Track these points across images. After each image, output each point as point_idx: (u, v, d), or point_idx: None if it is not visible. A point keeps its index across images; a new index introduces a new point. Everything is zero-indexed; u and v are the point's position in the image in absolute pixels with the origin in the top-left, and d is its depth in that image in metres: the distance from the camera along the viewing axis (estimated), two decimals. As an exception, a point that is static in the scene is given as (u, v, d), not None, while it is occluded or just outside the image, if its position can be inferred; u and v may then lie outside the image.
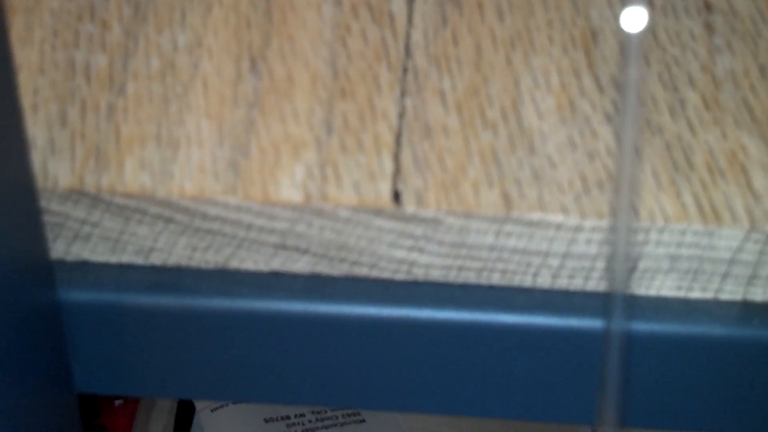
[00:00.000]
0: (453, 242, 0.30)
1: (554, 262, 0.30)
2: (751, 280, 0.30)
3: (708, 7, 0.34)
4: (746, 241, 0.29)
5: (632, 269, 0.29)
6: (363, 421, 0.59)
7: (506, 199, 0.29)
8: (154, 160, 0.29)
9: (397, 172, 0.30)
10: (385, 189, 0.29)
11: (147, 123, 0.30)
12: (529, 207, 0.29)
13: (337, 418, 0.59)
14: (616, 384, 0.26)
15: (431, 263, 0.30)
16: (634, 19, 0.25)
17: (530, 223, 0.29)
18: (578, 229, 0.29)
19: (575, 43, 0.33)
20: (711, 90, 0.32)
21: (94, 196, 0.29)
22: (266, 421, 0.58)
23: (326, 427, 0.58)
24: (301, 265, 0.30)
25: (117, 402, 0.59)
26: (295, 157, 0.30)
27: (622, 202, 0.26)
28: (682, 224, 0.29)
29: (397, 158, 0.30)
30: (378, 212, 0.29)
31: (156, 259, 0.30)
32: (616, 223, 0.26)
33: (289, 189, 0.29)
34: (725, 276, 0.30)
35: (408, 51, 0.33)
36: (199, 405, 0.59)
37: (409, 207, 0.29)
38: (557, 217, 0.29)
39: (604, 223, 0.29)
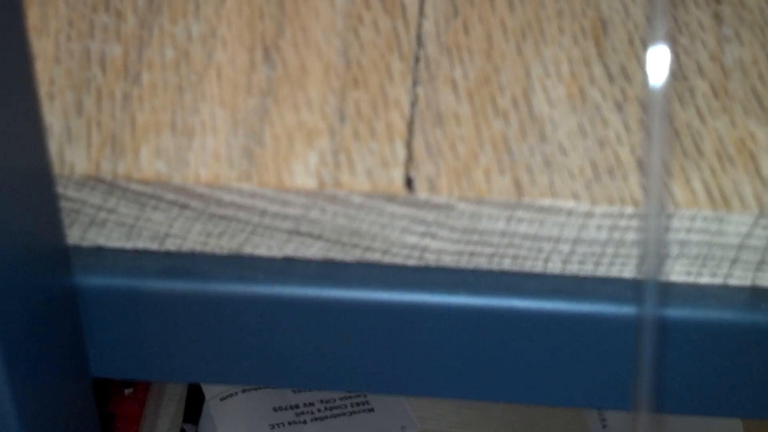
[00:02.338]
0: (465, 228, 0.30)
1: (565, 248, 0.30)
2: (760, 265, 0.30)
3: (716, -3, 0.35)
4: (755, 226, 0.29)
5: (664, 256, 0.30)
6: (372, 410, 0.59)
7: (517, 185, 0.29)
8: (170, 147, 0.30)
9: (410, 159, 0.30)
10: (397, 175, 0.29)
11: (162, 111, 0.30)
12: (541, 193, 0.29)
13: (345, 407, 0.59)
14: (650, 370, 0.27)
15: (443, 249, 0.30)
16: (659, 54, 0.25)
17: (541, 209, 0.29)
18: (589, 215, 0.29)
19: (585, 33, 0.34)
20: (720, 79, 0.32)
21: (110, 182, 0.29)
22: (275, 410, 0.58)
23: (335, 416, 0.59)
24: (314, 250, 0.30)
25: (127, 390, 0.59)
26: (309, 145, 0.30)
27: (653, 188, 0.26)
28: (692, 210, 0.29)
29: (409, 145, 0.30)
30: (391, 198, 0.29)
31: (171, 245, 0.30)
32: (648, 209, 0.26)
33: (302, 175, 0.29)
34: (734, 261, 0.30)
35: (420, 41, 0.33)
36: (208, 394, 0.60)
37: (422, 193, 0.29)
38: (568, 203, 0.29)
39: (615, 209, 0.29)
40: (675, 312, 0.31)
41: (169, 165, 0.29)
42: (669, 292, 0.31)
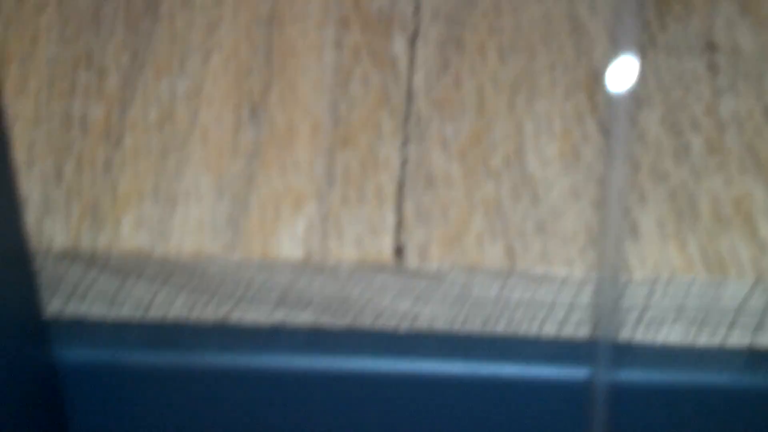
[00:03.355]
0: (457, 295, 0.29)
1: (560, 313, 0.29)
2: (759, 327, 0.30)
3: (711, 47, 0.34)
4: (753, 291, 0.29)
5: (619, 318, 0.29)
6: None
7: (510, 252, 0.29)
8: (152, 216, 0.29)
9: (400, 224, 0.29)
10: (387, 243, 0.29)
11: (145, 177, 0.30)
12: (534, 260, 0.29)
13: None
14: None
15: (435, 315, 0.30)
16: (622, 72, 0.24)
17: (535, 277, 0.29)
18: (584, 282, 0.29)
19: (578, 86, 0.33)
20: (715, 133, 0.32)
21: (90, 256, 0.28)
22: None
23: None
24: (303, 317, 0.30)
25: None
26: (296, 211, 0.29)
27: (607, 251, 0.25)
28: (688, 277, 0.28)
29: (399, 210, 0.29)
30: (380, 268, 0.28)
31: (155, 314, 0.30)
32: (601, 273, 0.26)
33: (289, 245, 0.28)
34: (732, 324, 0.30)
35: (410, 96, 0.32)
36: None
37: (412, 262, 0.28)
38: (562, 271, 0.29)
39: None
40: (672, 375, 0.30)
41: (151, 236, 0.28)
42: (666, 354, 0.30)
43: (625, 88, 0.23)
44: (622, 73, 0.23)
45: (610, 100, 0.24)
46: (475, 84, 0.33)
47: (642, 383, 0.30)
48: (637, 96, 0.31)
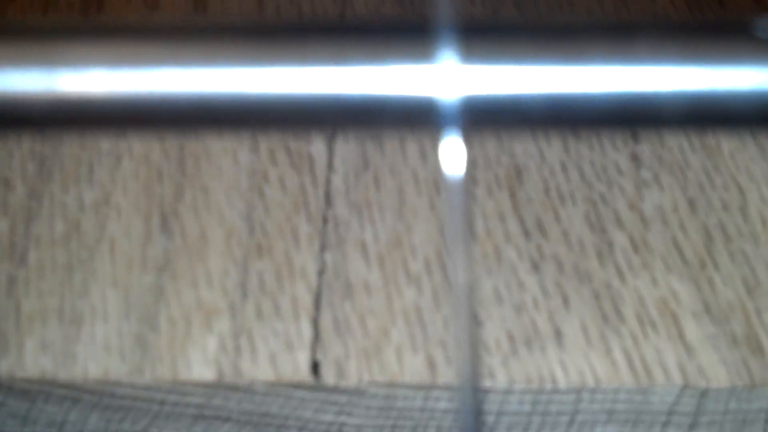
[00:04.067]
0: (381, 407, 0.28)
1: (489, 419, 0.29)
2: (693, 426, 0.29)
3: (635, 137, 0.34)
4: (681, 396, 0.28)
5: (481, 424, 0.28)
6: None
7: (431, 365, 0.28)
8: (56, 339, 0.28)
9: (316, 339, 0.28)
10: (303, 360, 0.28)
11: (49, 296, 0.28)
12: (456, 373, 0.28)
13: None
14: None
15: (362, 423, 0.29)
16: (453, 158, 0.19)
17: (456, 389, 0.28)
18: (508, 392, 0.28)
19: (500, 183, 0.32)
20: (639, 230, 0.31)
21: (-8, 383, 0.27)
22: None
23: None
24: (224, 430, 0.28)
25: None
26: (207, 328, 0.28)
27: (463, 360, 0.24)
28: (614, 384, 0.28)
29: (316, 323, 0.28)
30: (297, 386, 0.27)
31: (71, 430, 0.28)
32: (461, 385, 0.25)
33: (200, 366, 0.27)
34: (666, 424, 0.29)
35: (328, 199, 0.31)
36: None
37: (329, 379, 0.27)
38: (484, 383, 0.28)
39: (534, 385, 0.28)
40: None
41: (56, 361, 0.27)
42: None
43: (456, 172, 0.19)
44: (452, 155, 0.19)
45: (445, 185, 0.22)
46: (395, 184, 0.32)
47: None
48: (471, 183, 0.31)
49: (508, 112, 0.16)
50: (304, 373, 0.27)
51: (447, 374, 0.28)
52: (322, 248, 0.30)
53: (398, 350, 0.28)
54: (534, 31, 0.16)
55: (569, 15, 0.36)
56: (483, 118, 0.16)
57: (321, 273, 0.30)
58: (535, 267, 0.30)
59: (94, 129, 0.15)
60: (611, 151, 0.33)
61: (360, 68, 0.16)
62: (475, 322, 0.28)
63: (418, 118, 0.16)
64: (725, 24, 0.16)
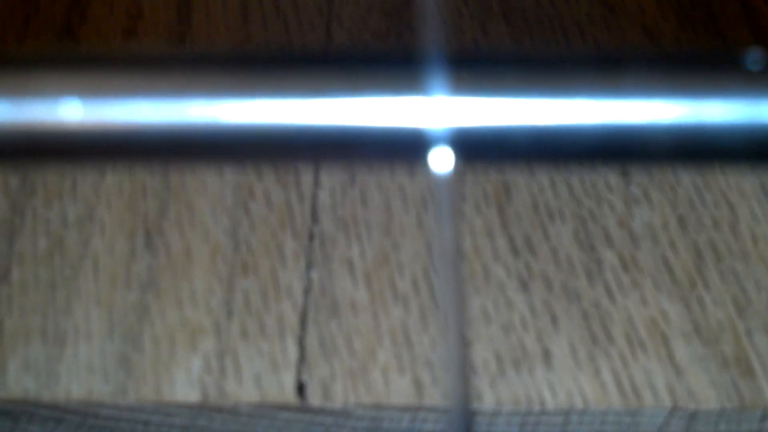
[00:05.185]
0: (367, 428, 0.28)
1: (473, 442, 0.28)
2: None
3: (624, 154, 0.33)
4: (670, 418, 0.28)
5: None
6: None
7: (418, 386, 0.28)
8: (39, 358, 0.27)
9: (302, 359, 0.28)
10: (288, 381, 0.27)
11: (32, 314, 0.28)
12: (442, 394, 0.27)
13: None
14: None
15: (345, 445, 0.28)
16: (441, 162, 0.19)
17: (443, 410, 0.27)
18: (496, 413, 0.28)
19: (488, 200, 0.32)
20: (629, 247, 0.31)
21: (-28, 404, 0.27)
22: None
23: None
24: (206, 453, 0.28)
25: None
26: (192, 348, 0.28)
27: (454, 383, 0.24)
28: (602, 406, 0.27)
29: (301, 343, 0.28)
30: (282, 407, 0.27)
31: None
32: (450, 407, 0.24)
33: (184, 386, 0.27)
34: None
35: (314, 215, 0.31)
36: None
37: (315, 400, 0.27)
38: (472, 405, 0.27)
39: (522, 407, 0.27)
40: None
41: (38, 381, 0.27)
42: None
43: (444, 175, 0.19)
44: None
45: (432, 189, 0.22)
46: (382, 200, 0.32)
47: None
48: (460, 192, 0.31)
49: (497, 145, 0.16)
50: (289, 395, 0.27)
51: (434, 396, 0.27)
52: (308, 266, 0.30)
53: (385, 371, 0.28)
54: (523, 62, 0.16)
55: (558, 28, 0.36)
56: (471, 151, 0.16)
57: (307, 291, 0.29)
58: (524, 285, 0.30)
59: (65, 162, 0.15)
60: (600, 168, 0.33)
61: (348, 100, 0.16)
62: (464, 342, 0.28)
63: (407, 151, 0.16)
64: (714, 56, 0.16)
